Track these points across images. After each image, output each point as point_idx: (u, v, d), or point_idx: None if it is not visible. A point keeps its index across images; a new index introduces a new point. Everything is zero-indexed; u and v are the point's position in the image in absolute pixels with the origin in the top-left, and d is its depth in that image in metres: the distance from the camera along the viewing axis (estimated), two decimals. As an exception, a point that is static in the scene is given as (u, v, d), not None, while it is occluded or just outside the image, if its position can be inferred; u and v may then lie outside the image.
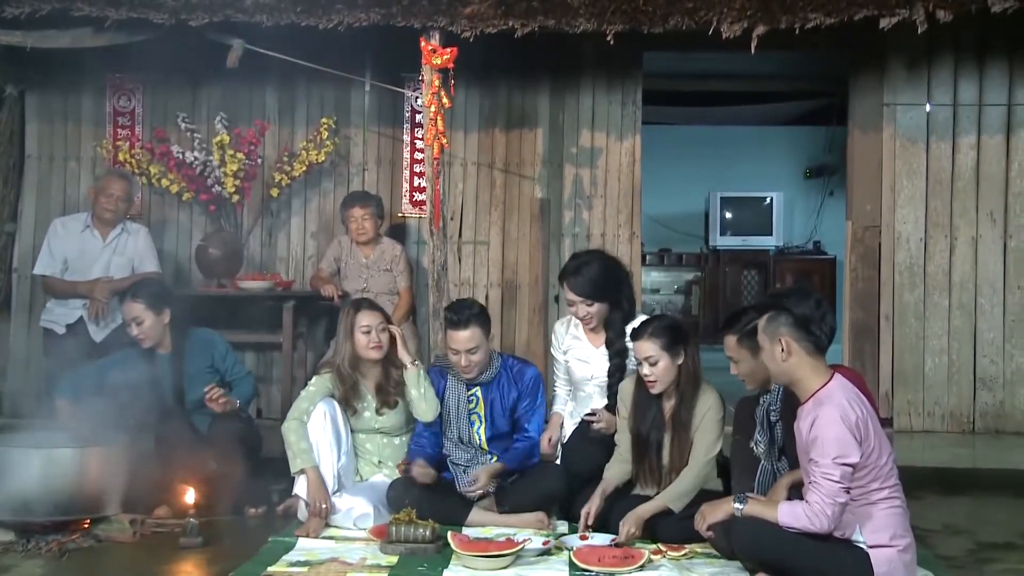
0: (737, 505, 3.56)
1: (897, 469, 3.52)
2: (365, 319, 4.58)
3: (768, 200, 10.29)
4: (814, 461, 3.33)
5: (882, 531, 3.38)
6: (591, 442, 4.63)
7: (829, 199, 10.45)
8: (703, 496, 4.18)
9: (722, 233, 10.33)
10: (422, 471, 4.39)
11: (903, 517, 3.47)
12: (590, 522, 4.23)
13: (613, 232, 6.62)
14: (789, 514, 3.39)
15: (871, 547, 3.37)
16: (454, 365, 4.57)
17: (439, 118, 5.47)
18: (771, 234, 10.26)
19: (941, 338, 6.31)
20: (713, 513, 3.68)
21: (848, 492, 3.34)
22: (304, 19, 5.45)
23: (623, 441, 4.41)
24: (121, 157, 6.42)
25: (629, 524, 4.07)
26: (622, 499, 4.29)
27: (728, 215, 10.36)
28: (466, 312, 4.49)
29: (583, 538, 4.16)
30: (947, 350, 6.31)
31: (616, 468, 4.39)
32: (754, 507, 3.53)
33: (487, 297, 6.64)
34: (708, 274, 10.40)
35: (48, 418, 4.53)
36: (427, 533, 4.01)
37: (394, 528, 4.04)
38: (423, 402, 4.55)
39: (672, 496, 4.17)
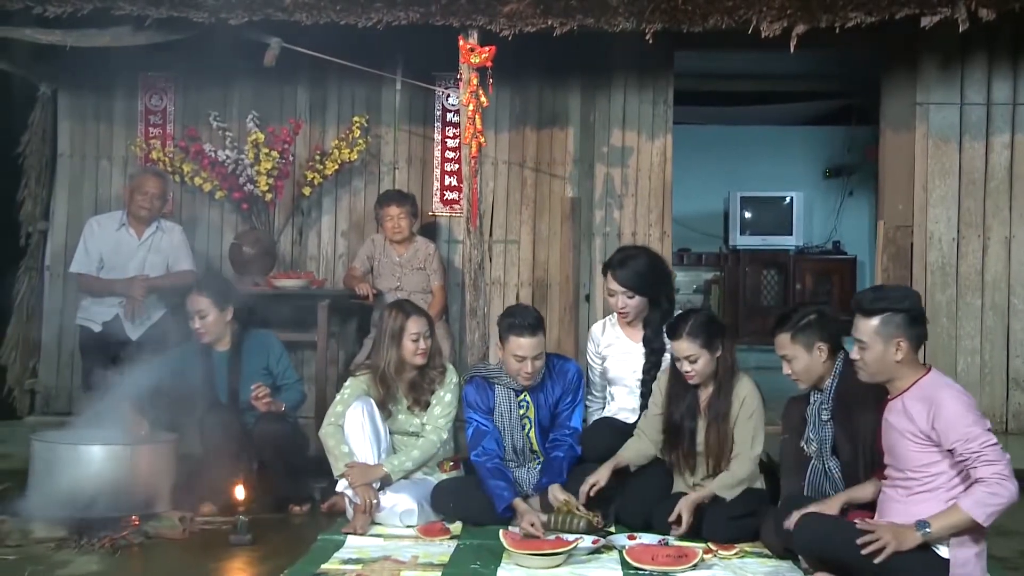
0: (925, 530, 3.29)
1: None
2: (414, 326, 4.57)
3: (788, 200, 10.26)
4: (964, 442, 3.24)
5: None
6: (607, 428, 4.71)
7: (849, 199, 10.44)
8: (747, 495, 4.21)
9: (742, 233, 10.29)
10: (531, 520, 4.15)
11: None
12: (592, 493, 4.27)
13: (644, 231, 6.61)
14: (978, 504, 3.22)
15: (952, 546, 3.29)
16: (515, 373, 4.49)
17: (477, 117, 5.46)
18: (791, 234, 10.20)
19: (973, 338, 6.30)
20: (902, 541, 3.29)
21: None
22: (343, 17, 5.42)
23: (648, 427, 4.46)
24: (154, 155, 6.42)
25: (682, 510, 4.10)
26: (664, 500, 4.29)
27: (748, 215, 10.33)
28: (531, 317, 4.46)
29: (631, 538, 4.17)
30: (979, 350, 6.29)
31: (633, 447, 4.46)
32: (939, 523, 3.28)
33: (518, 296, 6.64)
34: (728, 274, 10.32)
35: (111, 419, 4.51)
36: (584, 524, 4.13)
37: (552, 518, 4.18)
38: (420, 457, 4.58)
39: (722, 485, 4.19)
